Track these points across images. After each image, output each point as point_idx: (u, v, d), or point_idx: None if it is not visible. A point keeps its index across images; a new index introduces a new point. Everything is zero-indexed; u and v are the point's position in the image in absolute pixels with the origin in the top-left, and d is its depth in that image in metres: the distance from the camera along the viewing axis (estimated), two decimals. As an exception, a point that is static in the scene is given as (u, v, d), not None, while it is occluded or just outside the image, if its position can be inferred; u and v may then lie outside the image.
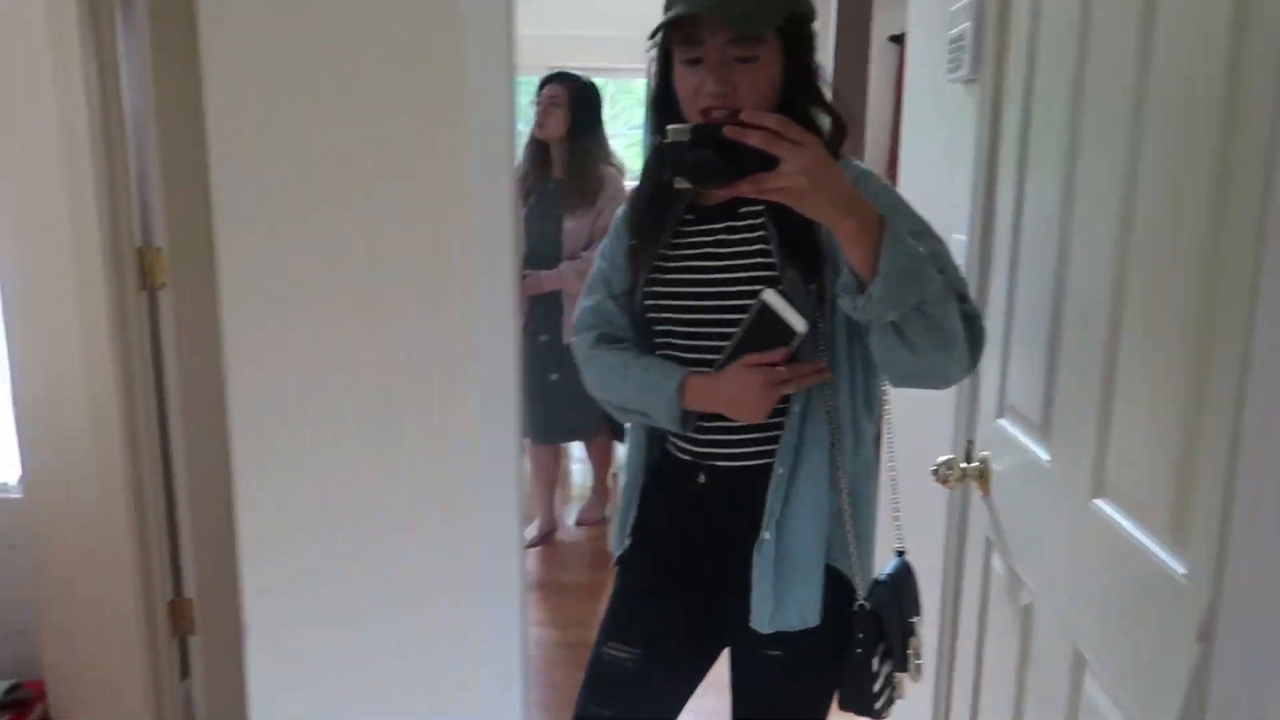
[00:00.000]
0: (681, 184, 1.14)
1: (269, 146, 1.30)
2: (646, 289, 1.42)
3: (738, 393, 1.31)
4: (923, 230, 1.31)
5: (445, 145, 1.33)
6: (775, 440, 1.36)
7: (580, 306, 1.54)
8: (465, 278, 1.36)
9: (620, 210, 1.51)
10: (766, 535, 1.34)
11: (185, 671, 2.43)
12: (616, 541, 1.54)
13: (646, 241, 1.41)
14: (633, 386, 1.42)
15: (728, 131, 1.09)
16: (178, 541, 2.37)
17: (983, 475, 1.69)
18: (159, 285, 2.31)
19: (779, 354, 1.29)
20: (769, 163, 1.09)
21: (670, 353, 1.43)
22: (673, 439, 1.45)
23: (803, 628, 1.36)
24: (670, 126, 1.15)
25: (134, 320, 2.24)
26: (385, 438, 1.38)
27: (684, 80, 1.29)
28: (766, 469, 1.36)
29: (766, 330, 1.28)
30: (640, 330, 1.47)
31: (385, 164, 1.32)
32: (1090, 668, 1.24)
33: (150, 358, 2.30)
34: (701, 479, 1.41)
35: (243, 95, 1.29)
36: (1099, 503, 1.24)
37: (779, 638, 1.37)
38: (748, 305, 1.30)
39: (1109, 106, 1.29)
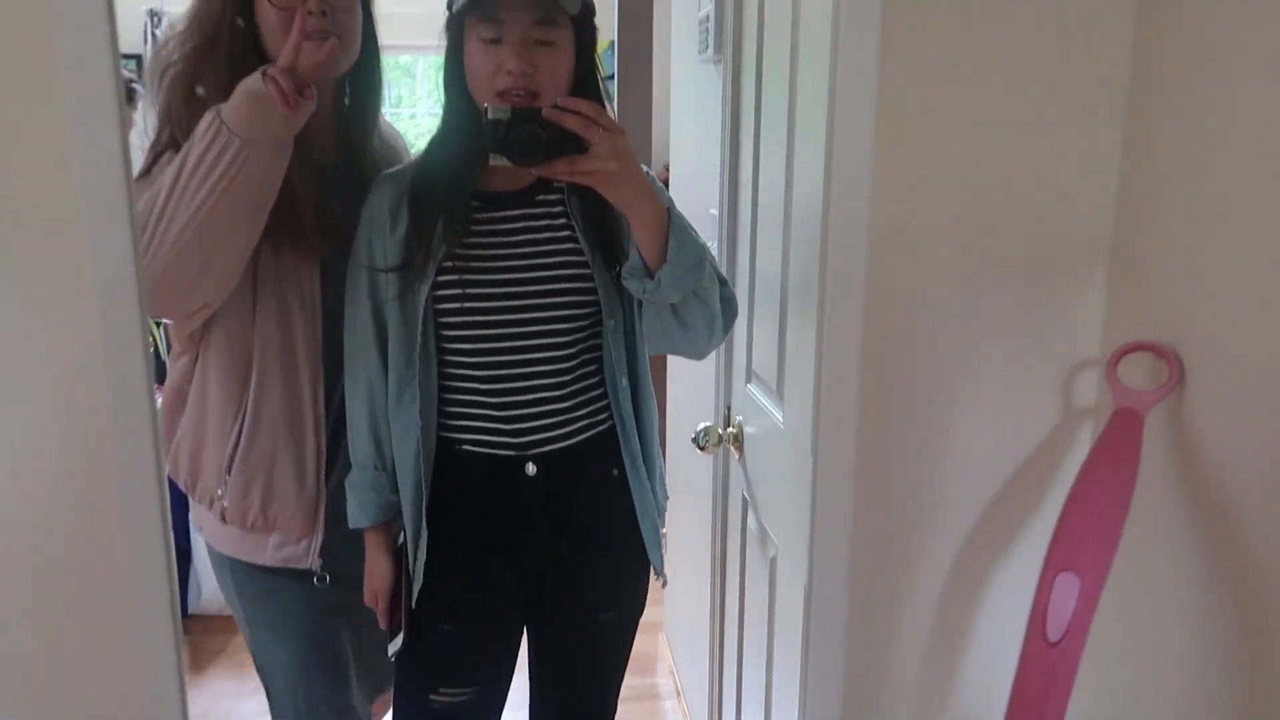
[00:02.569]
0: (499, 161, 1.17)
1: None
2: (440, 283, 1.34)
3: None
4: (687, 222, 1.36)
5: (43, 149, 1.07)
6: (595, 414, 1.41)
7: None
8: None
9: (370, 206, 1.38)
10: (638, 487, 1.44)
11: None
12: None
13: (448, 225, 1.33)
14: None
15: (547, 113, 1.14)
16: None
17: (737, 439, 1.79)
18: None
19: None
20: (581, 146, 1.14)
21: (468, 347, 1.36)
22: (480, 438, 1.38)
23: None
24: (490, 106, 1.17)
25: None
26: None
27: (482, 59, 1.26)
28: (593, 441, 1.40)
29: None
30: (418, 333, 1.35)
31: None
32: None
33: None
34: (531, 470, 1.38)
35: None
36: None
37: (611, 600, 1.46)
38: (557, 290, 1.34)
39: (813, 91, 1.39)
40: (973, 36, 1.17)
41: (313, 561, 1.47)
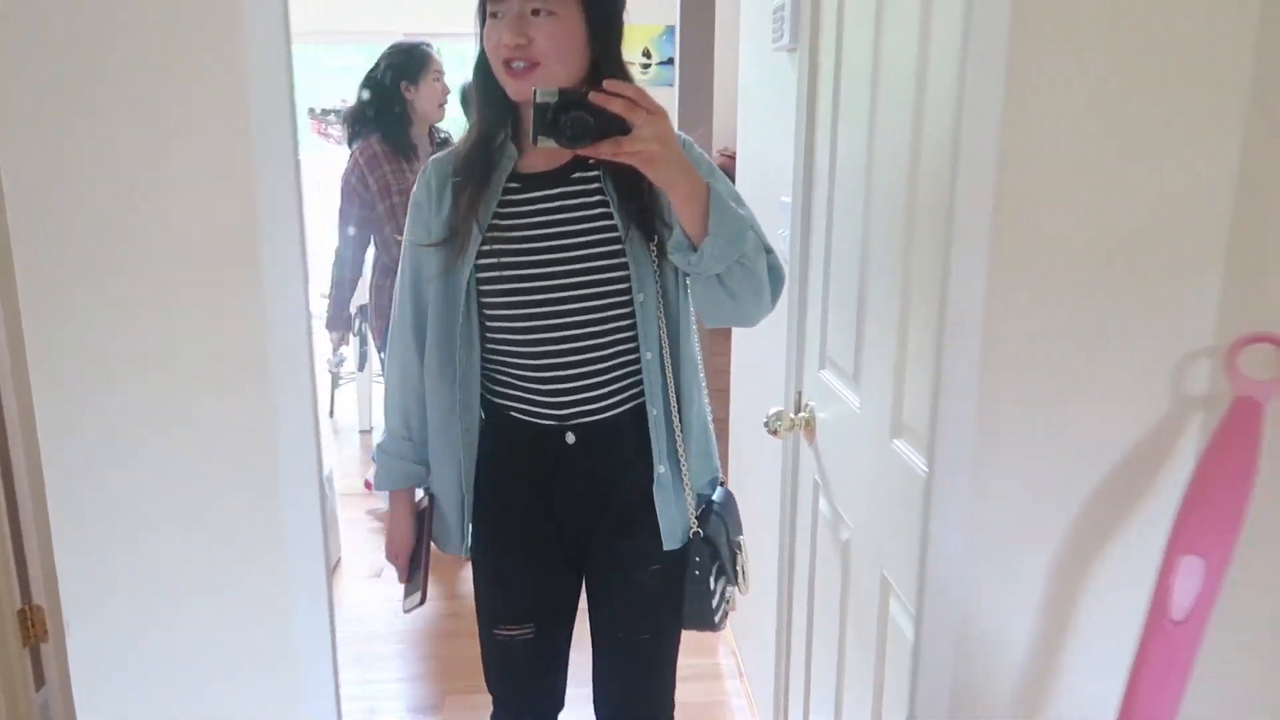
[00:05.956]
0: (546, 144, 1.22)
1: (53, 146, 1.31)
2: (481, 260, 1.42)
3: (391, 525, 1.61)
4: (734, 195, 1.40)
5: (224, 133, 1.34)
6: (631, 387, 1.46)
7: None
8: (255, 260, 1.38)
9: (417, 188, 1.49)
10: (662, 469, 1.46)
11: (40, 680, 2.37)
12: (458, 540, 1.55)
13: (482, 203, 1.41)
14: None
15: (593, 97, 1.19)
16: (23, 549, 2.30)
17: (809, 424, 1.81)
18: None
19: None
20: (625, 128, 1.19)
21: (509, 322, 1.43)
22: (523, 406, 1.48)
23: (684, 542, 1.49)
24: (537, 90, 1.22)
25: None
26: (183, 426, 1.42)
27: (489, 35, 1.34)
28: (631, 413, 1.46)
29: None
30: (461, 307, 1.44)
31: (164, 150, 1.33)
32: (894, 590, 1.38)
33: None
34: (571, 439, 1.46)
35: (24, 93, 1.29)
36: (897, 443, 1.36)
37: (654, 559, 1.50)
38: (590, 268, 1.39)
39: (897, 81, 1.40)
40: (1100, 26, 1.19)
41: None
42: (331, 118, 7.46)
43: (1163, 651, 0.93)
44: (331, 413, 5.09)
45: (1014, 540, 1.23)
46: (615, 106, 1.18)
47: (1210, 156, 1.20)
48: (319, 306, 7.17)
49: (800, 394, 1.90)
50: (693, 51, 4.03)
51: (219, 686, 1.51)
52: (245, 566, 1.46)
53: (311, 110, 7.38)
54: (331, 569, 3.39)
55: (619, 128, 1.19)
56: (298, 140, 1.34)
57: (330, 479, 3.41)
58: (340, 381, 5.14)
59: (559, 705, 1.65)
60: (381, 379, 5.11)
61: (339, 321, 3.51)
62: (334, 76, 7.13)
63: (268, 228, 1.35)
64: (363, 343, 4.81)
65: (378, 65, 3.26)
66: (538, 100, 1.20)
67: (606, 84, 1.20)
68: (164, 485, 1.42)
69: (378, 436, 2.01)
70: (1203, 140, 1.20)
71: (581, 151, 1.22)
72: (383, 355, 4.21)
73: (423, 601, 1.57)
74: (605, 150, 1.20)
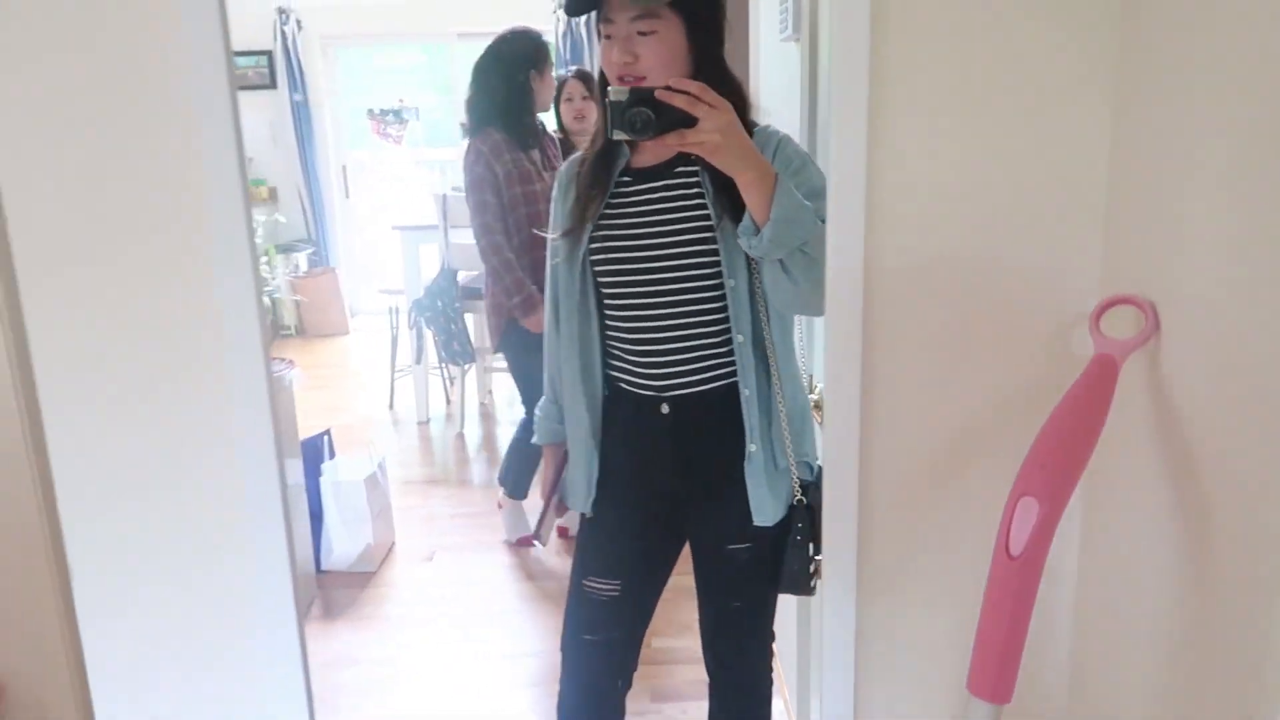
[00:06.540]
0: (620, 136, 1.35)
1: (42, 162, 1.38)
2: (593, 245, 1.59)
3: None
4: (819, 190, 1.48)
5: (174, 143, 1.38)
6: (723, 366, 1.58)
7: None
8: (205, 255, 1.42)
9: (555, 188, 1.69)
10: (754, 448, 1.56)
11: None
12: (582, 497, 1.68)
13: (593, 197, 1.58)
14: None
15: (659, 94, 1.31)
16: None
17: (818, 406, 1.86)
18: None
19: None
20: (690, 121, 1.30)
21: (616, 300, 1.59)
22: (628, 377, 1.62)
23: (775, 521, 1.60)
24: (610, 88, 1.36)
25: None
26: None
27: (604, 54, 1.49)
28: (722, 390, 1.58)
29: None
30: (577, 288, 1.61)
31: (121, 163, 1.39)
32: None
33: None
34: (665, 409, 1.59)
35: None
36: (882, 421, 1.42)
37: (746, 535, 1.61)
38: (685, 253, 1.53)
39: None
40: (970, 20, 1.28)
41: None
42: (390, 118, 7.69)
43: (1001, 583, 1.01)
44: (391, 404, 5.27)
45: (907, 496, 1.39)
46: (678, 102, 1.30)
47: (1084, 129, 1.29)
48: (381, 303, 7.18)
49: (811, 376, 1.96)
50: (729, 45, 4.07)
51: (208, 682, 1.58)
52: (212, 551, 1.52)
53: (370, 111, 7.63)
54: (386, 552, 3.56)
55: (685, 121, 1.31)
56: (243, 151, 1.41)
57: (383, 467, 3.57)
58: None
59: (627, 683, 1.74)
60: (436, 371, 5.29)
61: (530, 303, 3.10)
62: (388, 78, 7.33)
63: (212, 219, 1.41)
64: (418, 335, 4.98)
65: (498, 53, 3.20)
66: (610, 99, 1.34)
67: (671, 81, 1.32)
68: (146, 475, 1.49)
69: (435, 428, 2.14)
70: (1077, 112, 1.29)
71: (650, 142, 1.35)
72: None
73: (537, 536, 1.84)
74: (671, 141, 1.33)
